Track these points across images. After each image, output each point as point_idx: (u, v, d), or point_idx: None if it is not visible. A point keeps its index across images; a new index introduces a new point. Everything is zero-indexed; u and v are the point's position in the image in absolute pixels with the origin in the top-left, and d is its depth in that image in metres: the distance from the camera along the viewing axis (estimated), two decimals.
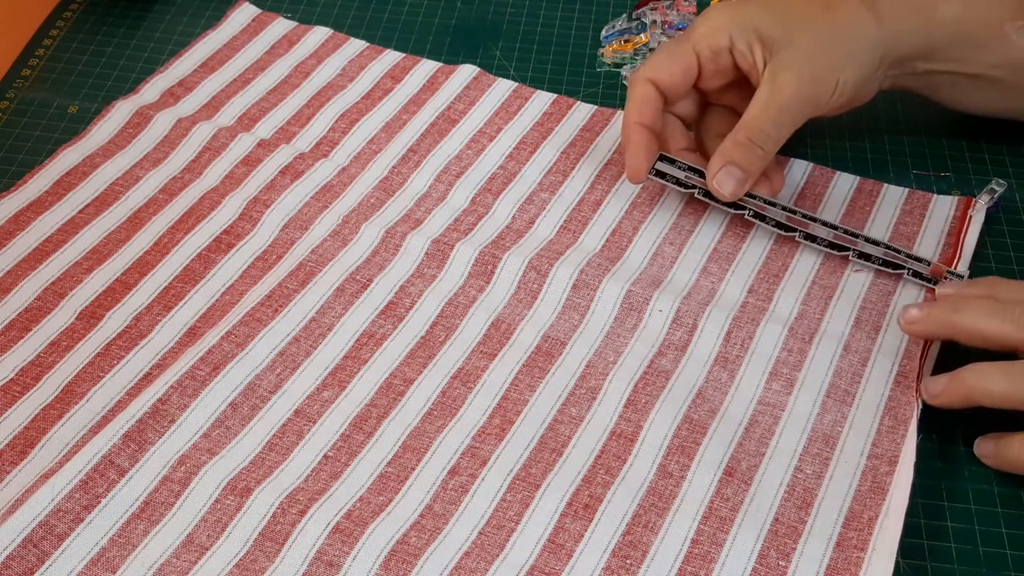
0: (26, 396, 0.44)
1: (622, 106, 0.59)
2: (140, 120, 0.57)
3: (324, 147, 0.56)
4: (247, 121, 0.57)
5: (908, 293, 0.49)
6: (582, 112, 0.58)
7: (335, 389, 0.44)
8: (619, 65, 0.62)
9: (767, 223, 0.50)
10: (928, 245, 0.51)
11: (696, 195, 0.50)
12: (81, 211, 0.52)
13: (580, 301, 0.48)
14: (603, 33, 0.64)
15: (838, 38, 0.49)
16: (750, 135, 0.48)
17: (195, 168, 0.54)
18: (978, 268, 0.50)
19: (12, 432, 0.42)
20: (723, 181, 0.48)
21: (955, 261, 0.50)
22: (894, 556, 0.39)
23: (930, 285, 0.48)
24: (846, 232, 0.50)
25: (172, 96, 0.59)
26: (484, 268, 0.49)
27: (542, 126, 0.57)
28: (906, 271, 0.49)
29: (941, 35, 0.50)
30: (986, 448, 0.43)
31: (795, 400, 0.44)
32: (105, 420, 0.43)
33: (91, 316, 0.47)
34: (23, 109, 0.58)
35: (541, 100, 0.59)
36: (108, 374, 0.45)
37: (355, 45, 0.62)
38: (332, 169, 0.54)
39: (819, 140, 0.57)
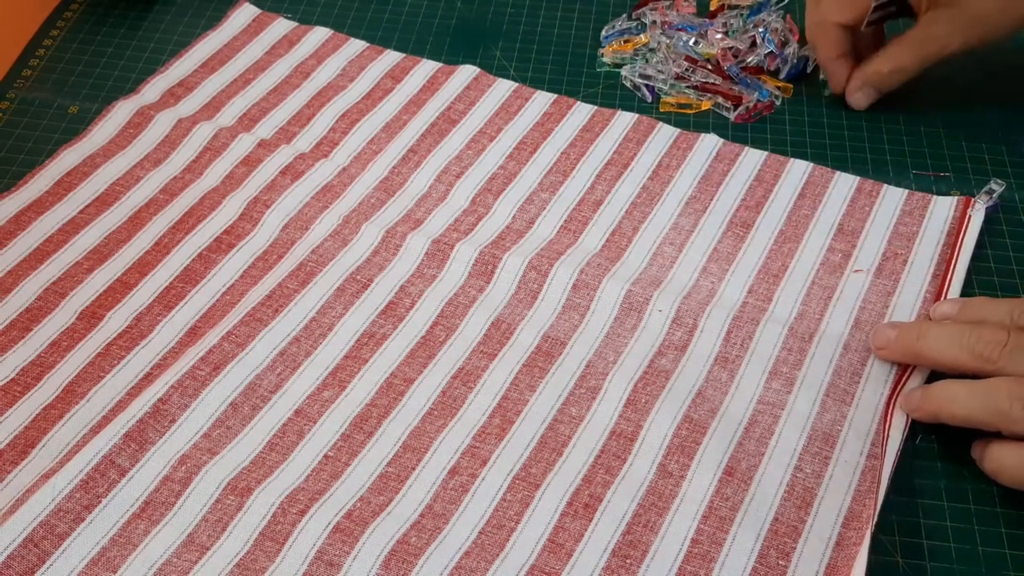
0: (27, 396, 0.44)
1: (622, 106, 0.59)
2: (141, 120, 0.57)
3: (324, 147, 0.56)
4: (247, 121, 0.57)
5: (908, 293, 0.49)
6: (582, 112, 0.58)
7: (335, 389, 0.44)
8: (619, 65, 0.62)
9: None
10: (928, 245, 0.51)
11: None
12: (82, 211, 0.52)
13: (580, 301, 0.48)
14: (603, 33, 0.64)
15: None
16: (893, 67, 0.56)
17: (196, 168, 0.54)
18: (978, 268, 0.50)
19: (13, 432, 0.42)
20: (859, 100, 0.58)
21: (954, 261, 0.50)
22: (866, 546, 0.38)
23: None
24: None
25: (173, 96, 0.59)
26: (484, 268, 0.49)
27: (542, 126, 0.57)
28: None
29: None
30: (977, 452, 0.43)
31: (795, 399, 0.44)
32: (106, 420, 0.43)
33: (92, 316, 0.47)
34: (23, 109, 0.58)
35: (541, 100, 0.59)
36: (109, 374, 0.45)
37: (355, 45, 0.62)
38: (332, 169, 0.54)
39: (819, 140, 0.57)
